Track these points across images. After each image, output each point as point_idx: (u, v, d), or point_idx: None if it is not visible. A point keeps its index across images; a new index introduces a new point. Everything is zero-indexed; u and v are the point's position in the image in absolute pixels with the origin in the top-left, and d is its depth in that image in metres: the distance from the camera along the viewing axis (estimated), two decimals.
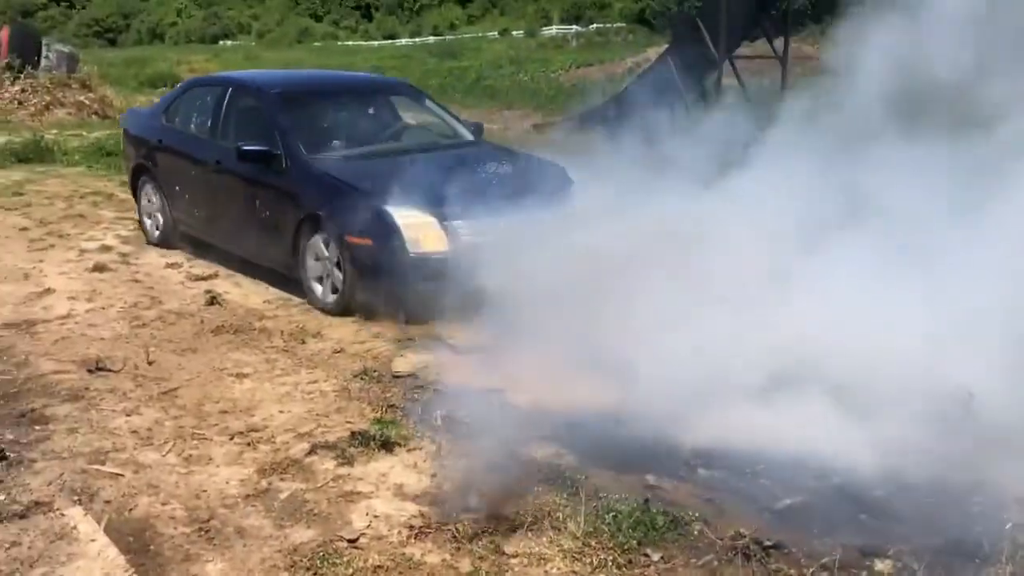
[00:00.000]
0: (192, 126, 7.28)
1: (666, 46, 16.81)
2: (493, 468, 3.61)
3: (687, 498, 3.40)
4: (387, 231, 5.40)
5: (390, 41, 55.09)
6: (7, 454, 3.65)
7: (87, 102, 17.89)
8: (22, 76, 18.27)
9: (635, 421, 3.86)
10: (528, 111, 17.49)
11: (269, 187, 6.15)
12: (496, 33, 49.78)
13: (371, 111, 7.29)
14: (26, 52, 19.10)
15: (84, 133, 14.81)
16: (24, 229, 8.03)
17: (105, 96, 18.66)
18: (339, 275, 5.60)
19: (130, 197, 8.28)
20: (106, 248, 7.40)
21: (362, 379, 4.60)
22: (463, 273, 4.90)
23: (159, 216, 7.46)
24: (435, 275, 5.18)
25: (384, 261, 5.39)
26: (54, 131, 14.67)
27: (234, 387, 4.52)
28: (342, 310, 5.64)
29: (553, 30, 46.23)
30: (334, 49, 49.19)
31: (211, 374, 4.69)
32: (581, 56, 29.20)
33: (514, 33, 48.33)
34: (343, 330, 5.40)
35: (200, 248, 7.11)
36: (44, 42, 20.58)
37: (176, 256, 7.12)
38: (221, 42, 70.17)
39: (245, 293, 6.18)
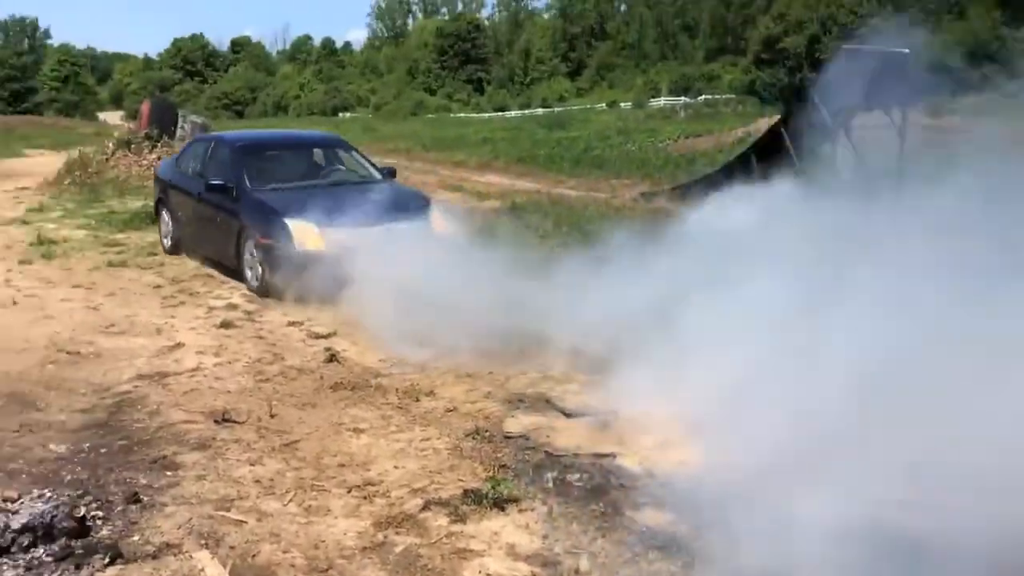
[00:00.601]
0: (190, 169, 10.04)
1: (778, 116, 16.71)
2: (605, 532, 3.59)
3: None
4: (283, 234, 7.82)
5: (500, 113, 56.44)
6: (141, 497, 3.83)
7: None
8: (159, 144, 19.54)
9: (753, 489, 3.76)
10: (636, 180, 17.55)
11: (224, 209, 8.77)
12: (604, 105, 50.49)
13: (306, 159, 9.97)
14: (164, 123, 20.46)
15: None
16: (158, 287, 8.50)
17: None
18: (259, 268, 8.06)
19: None
20: (232, 306, 7.75)
21: (474, 438, 4.66)
22: (335, 263, 7.07)
23: (170, 233, 10.30)
24: (314, 265, 7.34)
25: (281, 255, 7.74)
26: None
27: (351, 442, 4.64)
28: (263, 293, 8.02)
29: (661, 102, 46.62)
30: (446, 121, 50.62)
31: (330, 428, 4.83)
32: (690, 127, 29.27)
33: (622, 105, 48.94)
34: (455, 389, 5.48)
35: (316, 307, 7.40)
36: (180, 113, 22.01)
37: (297, 315, 7.39)
38: (341, 114, 73.39)
39: (362, 351, 6.36)
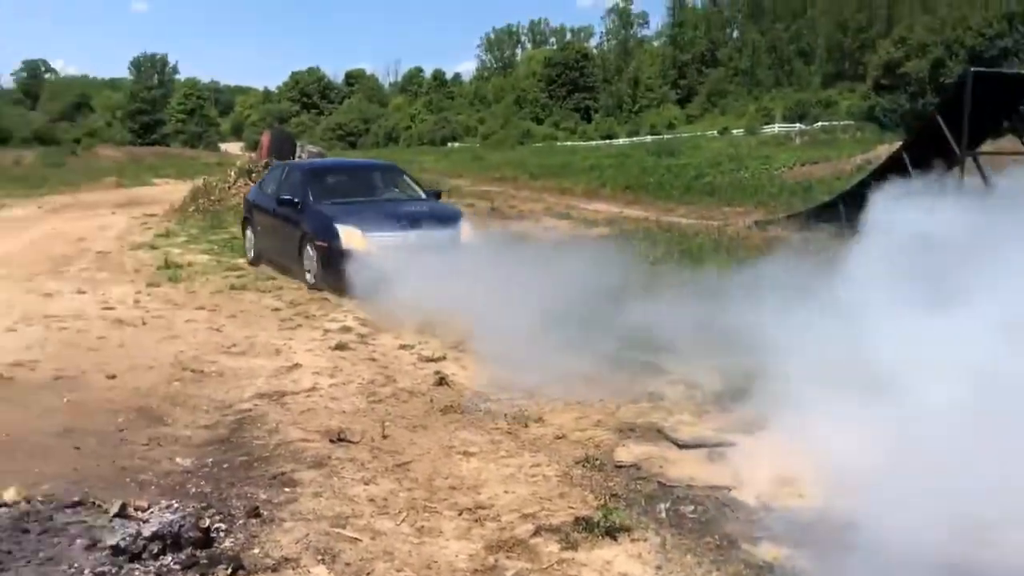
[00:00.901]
0: (268, 190, 11.97)
1: (900, 143, 16.15)
2: (720, 565, 3.50)
3: None
4: (333, 237, 9.57)
5: (608, 141, 56.45)
6: (261, 512, 3.94)
7: None
8: None
9: (874, 528, 3.60)
10: (749, 208, 17.25)
11: (291, 220, 10.58)
12: (715, 132, 49.90)
13: (363, 180, 11.94)
14: (283, 153, 21.30)
15: None
16: (276, 309, 8.81)
17: None
18: (315, 266, 9.80)
19: None
20: (346, 329, 7.95)
21: (584, 466, 4.62)
22: (375, 261, 8.68)
23: (252, 244, 12.20)
24: (364, 265, 8.74)
25: (332, 254, 9.47)
26: None
27: (462, 465, 4.67)
28: (318, 287, 9.73)
29: (775, 128, 45.75)
30: (554, 149, 50.97)
31: (440, 451, 4.88)
32: (805, 154, 28.63)
33: (734, 132, 48.26)
34: (564, 416, 5.46)
35: (422, 330, 7.53)
36: (298, 144, 22.86)
37: (408, 339, 7.53)
38: (449, 144, 74.80)
39: (471, 376, 6.41)
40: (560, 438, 5.08)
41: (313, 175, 11.46)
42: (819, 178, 21.56)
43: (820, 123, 46.00)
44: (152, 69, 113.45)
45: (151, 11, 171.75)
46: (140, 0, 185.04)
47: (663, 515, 3.99)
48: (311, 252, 9.91)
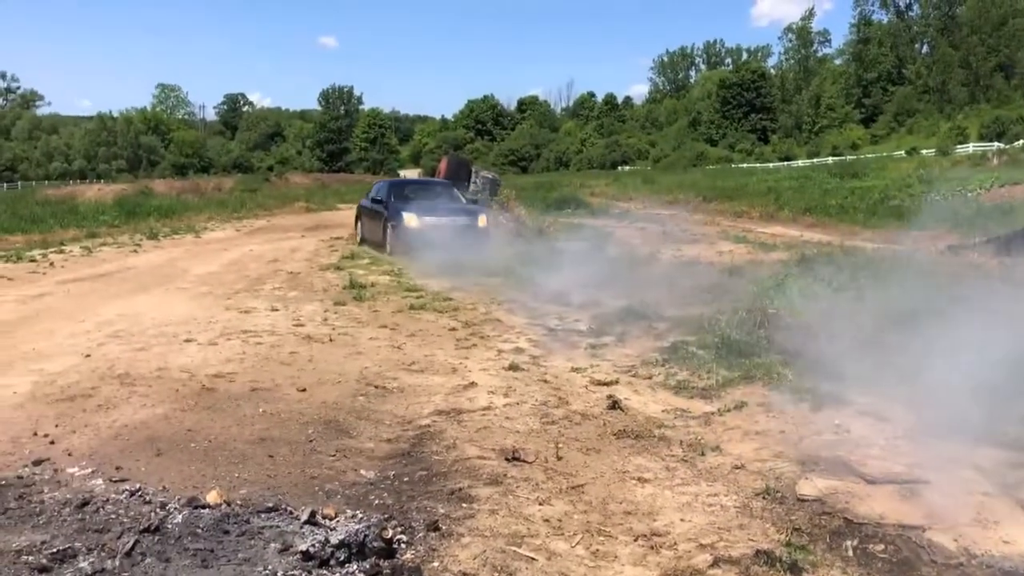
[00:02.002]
0: (370, 199, 19.48)
1: None
2: None
3: None
4: (400, 219, 16.48)
5: (786, 163, 54.69)
6: (440, 526, 4.04)
7: (504, 221, 19.89)
8: None
9: None
10: (941, 232, 16.19)
11: (379, 214, 17.93)
12: (903, 152, 47.32)
13: (426, 191, 19.32)
14: (459, 177, 21.98)
15: (500, 249, 16.44)
16: (452, 329, 9.05)
17: (520, 215, 20.60)
18: (390, 239, 16.71)
19: (539, 306, 10.18)
20: (519, 350, 8.05)
21: (764, 498, 4.45)
22: (425, 234, 15.51)
23: (360, 231, 19.82)
24: (412, 236, 15.79)
25: (399, 229, 16.34)
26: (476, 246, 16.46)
27: (636, 490, 4.61)
28: (394, 252, 16.08)
29: (969, 148, 42.86)
30: (729, 171, 49.85)
31: (614, 475, 4.84)
32: (1005, 174, 26.59)
33: (923, 152, 45.58)
34: (743, 447, 5.29)
35: (594, 353, 7.51)
36: (473, 169, 23.51)
37: (580, 361, 7.54)
38: (620, 167, 74.74)
39: (644, 401, 6.33)
40: (739, 468, 4.93)
41: (393, 187, 19.51)
42: (1021, 200, 19.96)
43: (1022, 141, 42.69)
44: (339, 100, 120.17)
45: (339, 46, 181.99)
46: (329, 35, 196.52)
47: (850, 553, 3.78)
48: (389, 230, 16.67)
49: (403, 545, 3.88)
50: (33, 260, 16.74)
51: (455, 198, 18.48)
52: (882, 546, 3.84)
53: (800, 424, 5.60)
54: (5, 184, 78.13)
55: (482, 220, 16.91)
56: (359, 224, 19.93)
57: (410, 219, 16.13)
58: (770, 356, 7.13)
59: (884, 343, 7.20)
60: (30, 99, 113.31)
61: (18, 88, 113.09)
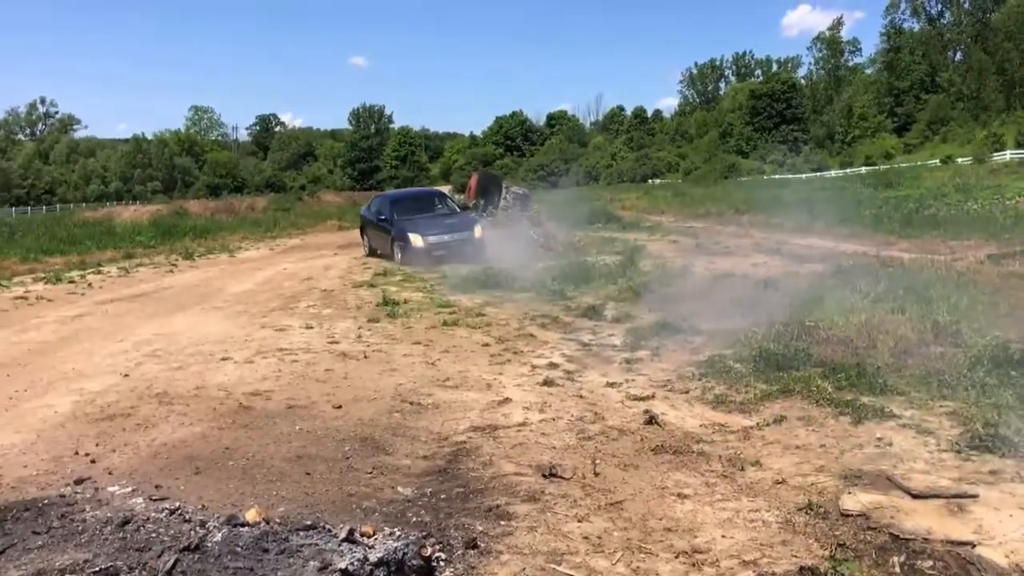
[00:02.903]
0: (372, 211, 21.46)
1: None
2: None
3: None
4: (407, 239, 18.35)
5: (819, 173, 54.26)
6: (478, 543, 4.02)
7: (535, 236, 19.85)
8: (484, 214, 20.99)
9: None
10: (980, 241, 15.92)
11: (386, 229, 19.63)
12: (937, 161, 46.75)
13: (423, 201, 21.36)
14: (489, 193, 22.00)
15: (532, 264, 16.42)
16: (486, 345, 9.03)
17: (550, 231, 20.55)
18: (399, 254, 18.67)
19: (572, 320, 10.10)
20: (553, 365, 8.01)
21: (807, 513, 4.37)
22: (427, 252, 17.93)
23: (367, 243, 21.58)
24: (418, 253, 18.05)
25: (407, 248, 18.34)
26: (507, 262, 16.49)
27: (676, 507, 4.55)
28: (402, 264, 18.20)
29: (1007, 156, 42.23)
30: (760, 183, 49.51)
31: (653, 491, 4.78)
32: None
33: (959, 160, 44.99)
34: (783, 461, 5.21)
35: (629, 368, 7.46)
36: (504, 185, 23.54)
37: (615, 376, 7.49)
38: (650, 180, 74.55)
39: (682, 416, 6.26)
40: (780, 483, 4.85)
41: (394, 201, 21.07)
42: None
43: None
44: (369, 119, 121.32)
45: (369, 65, 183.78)
46: (359, 55, 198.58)
47: (897, 569, 3.70)
48: (397, 248, 18.74)
49: (441, 563, 3.86)
50: (72, 281, 17.02)
51: (449, 208, 20.97)
52: (930, 562, 3.75)
53: (841, 438, 5.51)
54: (44, 207, 79.73)
55: (478, 231, 18.76)
56: (365, 236, 21.88)
57: (415, 239, 18.17)
58: (809, 369, 7.03)
59: (927, 354, 7.08)
60: (68, 123, 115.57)
61: (56, 113, 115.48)
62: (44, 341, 10.15)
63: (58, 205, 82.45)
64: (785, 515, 4.38)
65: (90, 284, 16.57)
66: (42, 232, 28.61)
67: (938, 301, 8.40)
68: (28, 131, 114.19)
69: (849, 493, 4.62)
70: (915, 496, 4.49)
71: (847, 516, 4.34)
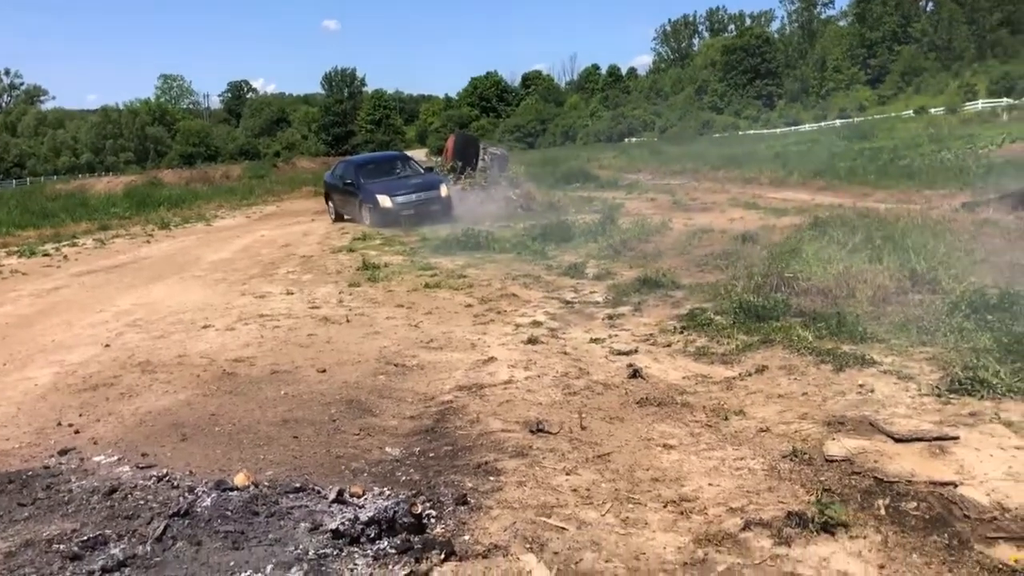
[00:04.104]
0: (337, 175, 21.73)
1: None
2: (952, 567, 3.26)
3: None
4: (375, 201, 18.58)
5: (794, 127, 54.31)
6: (468, 500, 4.04)
7: (514, 197, 19.79)
8: (463, 176, 20.85)
9: None
10: (954, 190, 16.02)
11: (352, 193, 19.90)
12: (911, 112, 46.88)
13: (387, 165, 21.53)
14: (467, 156, 21.85)
15: (511, 224, 16.41)
16: (468, 306, 9.03)
17: (529, 192, 20.49)
18: (367, 216, 18.94)
19: (554, 279, 10.08)
20: (536, 323, 8.03)
21: (792, 460, 4.43)
22: (396, 212, 18.31)
23: (333, 209, 21.54)
24: (388, 213, 18.32)
25: (374, 209, 18.61)
26: (487, 223, 16.47)
27: (662, 457, 4.60)
28: (371, 226, 18.35)
29: (979, 105, 42.44)
30: (736, 139, 49.48)
31: (639, 443, 4.82)
32: (1017, 130, 26.30)
33: (932, 111, 45.14)
34: (766, 410, 5.26)
35: (612, 324, 7.49)
36: (482, 146, 23.36)
37: (599, 332, 7.52)
38: (626, 139, 74.33)
39: (664, 369, 6.30)
40: (764, 431, 4.90)
41: (359, 167, 20.86)
42: None
43: None
44: (342, 83, 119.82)
45: (342, 29, 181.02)
46: (331, 18, 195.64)
47: (883, 512, 3.75)
48: (366, 210, 18.96)
49: (432, 520, 3.88)
50: (47, 254, 16.82)
51: (414, 169, 21.12)
52: (914, 504, 3.81)
53: (823, 386, 5.56)
54: (14, 180, 78.43)
55: (443, 190, 19.09)
56: (331, 203, 21.87)
57: (383, 200, 18.41)
58: (789, 319, 7.09)
59: (905, 302, 7.15)
60: (34, 94, 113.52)
61: (22, 84, 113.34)
62: (21, 315, 10.04)
63: (28, 179, 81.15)
64: (770, 462, 4.43)
65: (65, 256, 16.38)
66: (14, 206, 28.17)
67: (915, 250, 8.45)
68: None
69: (833, 439, 4.68)
70: (898, 440, 4.56)
71: (831, 461, 4.39)
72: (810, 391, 5.50)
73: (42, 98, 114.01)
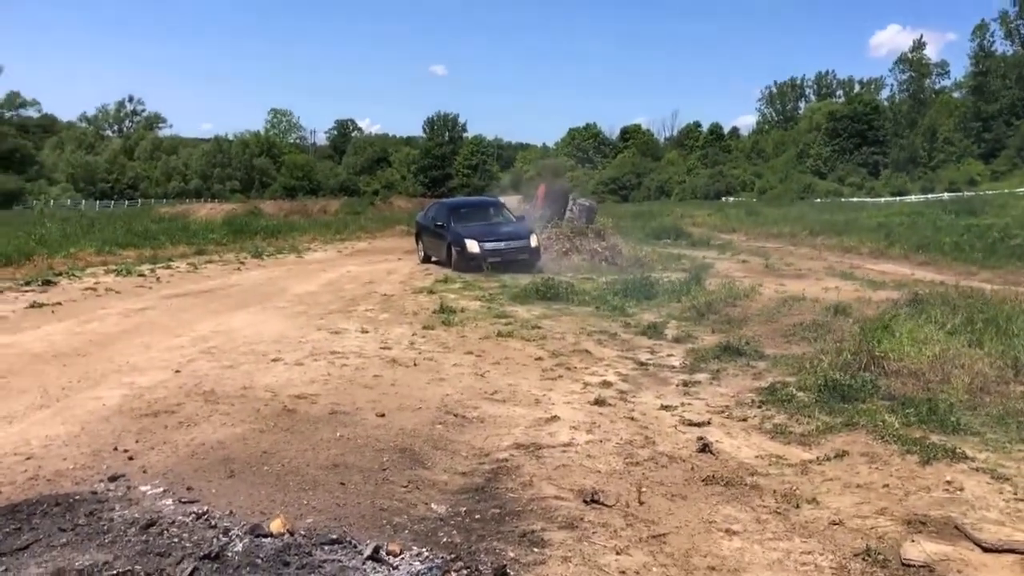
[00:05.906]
0: (428, 217, 21.48)
1: None
2: None
3: None
4: (463, 245, 18.39)
5: (898, 198, 52.70)
6: (508, 572, 3.80)
7: (600, 250, 19.59)
8: (549, 225, 20.79)
9: None
10: None
11: (441, 235, 19.66)
12: None
13: (480, 210, 21.37)
14: (556, 205, 21.79)
15: (594, 277, 16.18)
16: (539, 359, 8.82)
17: (615, 245, 20.26)
18: (452, 259, 18.68)
19: (631, 338, 9.86)
20: (606, 384, 7.76)
21: (864, 559, 4.05)
22: (481, 257, 17.91)
23: (421, 249, 21.60)
24: (473, 259, 18.01)
25: (461, 253, 18.39)
26: (569, 274, 16.26)
27: (722, 543, 4.27)
28: (456, 270, 18.09)
29: None
30: (837, 206, 48.24)
31: (699, 525, 4.51)
32: None
33: None
34: (842, 500, 4.87)
35: (686, 391, 7.17)
36: (571, 196, 23.31)
37: (671, 399, 7.20)
38: (724, 198, 73.45)
39: (737, 445, 5.96)
40: (836, 524, 4.52)
41: (451, 210, 20.77)
42: None
43: None
44: (443, 128, 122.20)
45: (449, 74, 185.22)
46: (439, 63, 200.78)
47: None
48: (453, 253, 18.62)
49: None
50: (142, 275, 17.35)
51: (506, 217, 20.62)
52: None
53: (907, 479, 5.14)
54: (127, 201, 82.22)
55: (534, 240, 18.73)
56: (420, 243, 21.80)
57: (471, 244, 18.18)
58: (876, 402, 6.66)
59: (1006, 393, 6.64)
60: (153, 121, 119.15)
61: (143, 111, 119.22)
62: (106, 332, 10.28)
63: (140, 200, 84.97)
64: (840, 560, 4.06)
65: (159, 278, 16.85)
66: (119, 225, 29.33)
67: (1020, 336, 7.88)
68: (116, 128, 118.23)
69: (912, 540, 4.27)
70: (986, 549, 4.13)
71: (908, 566, 4.00)
72: (892, 483, 5.09)
73: (160, 125, 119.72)
